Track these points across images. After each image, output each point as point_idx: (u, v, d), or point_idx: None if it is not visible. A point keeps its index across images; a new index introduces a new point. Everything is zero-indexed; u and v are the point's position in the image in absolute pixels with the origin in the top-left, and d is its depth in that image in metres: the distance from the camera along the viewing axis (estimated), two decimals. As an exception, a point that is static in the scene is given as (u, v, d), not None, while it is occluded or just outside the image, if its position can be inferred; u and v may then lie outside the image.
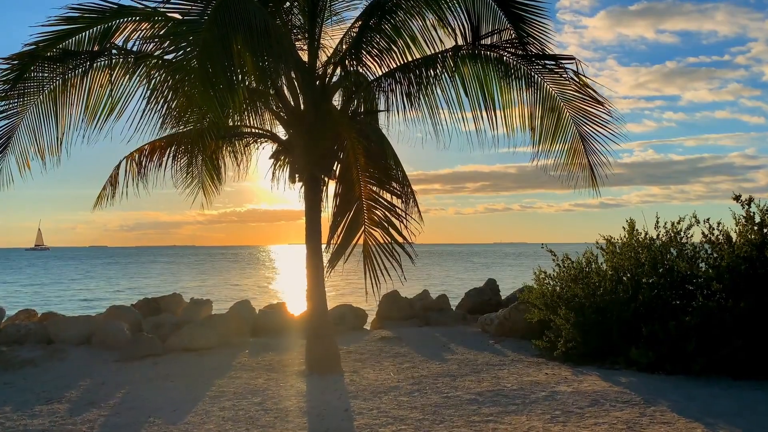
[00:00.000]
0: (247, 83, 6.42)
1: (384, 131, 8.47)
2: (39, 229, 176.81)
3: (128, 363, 8.90)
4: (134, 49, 7.14)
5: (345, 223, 6.63)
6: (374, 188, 6.57)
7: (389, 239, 6.37)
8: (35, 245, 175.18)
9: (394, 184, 6.64)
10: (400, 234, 6.39)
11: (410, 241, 6.48)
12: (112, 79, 7.22)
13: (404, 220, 6.47)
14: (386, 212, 6.43)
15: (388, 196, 6.62)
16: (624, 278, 8.92)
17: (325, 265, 7.34)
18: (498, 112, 7.77)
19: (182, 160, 9.08)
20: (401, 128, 8.05)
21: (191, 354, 9.49)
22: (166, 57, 6.31)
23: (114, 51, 7.17)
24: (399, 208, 6.56)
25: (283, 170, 8.69)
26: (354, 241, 6.58)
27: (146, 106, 6.13)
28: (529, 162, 7.82)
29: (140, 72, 7.04)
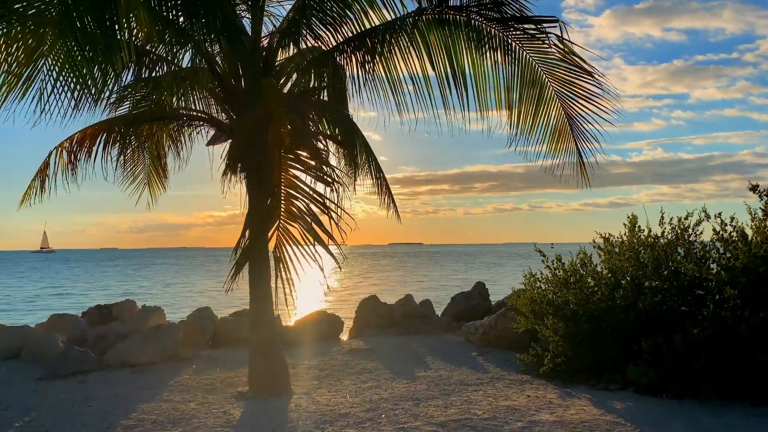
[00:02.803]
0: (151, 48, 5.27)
1: (381, 125, 7.33)
2: (44, 232, 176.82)
3: (52, 381, 7.78)
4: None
5: (257, 218, 5.43)
6: (298, 173, 5.39)
7: (311, 239, 5.16)
8: (41, 248, 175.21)
9: (325, 170, 5.41)
10: (326, 231, 5.17)
11: (342, 241, 5.25)
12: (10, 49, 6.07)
13: (334, 214, 5.24)
14: (310, 203, 5.22)
15: (323, 189, 5.38)
16: (623, 282, 7.71)
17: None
18: (470, 86, 6.58)
19: (113, 150, 7.91)
20: (403, 127, 6.95)
21: (129, 370, 8.36)
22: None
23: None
24: (328, 198, 5.34)
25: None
26: (267, 240, 5.37)
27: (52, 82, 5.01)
28: (506, 146, 6.63)
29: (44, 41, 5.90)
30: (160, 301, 26.37)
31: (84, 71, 4.06)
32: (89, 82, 4.18)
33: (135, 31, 5.40)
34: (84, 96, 4.38)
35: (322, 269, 5.10)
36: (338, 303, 22.64)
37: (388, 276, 50.63)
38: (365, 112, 7.59)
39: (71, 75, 4.08)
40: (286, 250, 5.10)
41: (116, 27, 4.32)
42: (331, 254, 5.12)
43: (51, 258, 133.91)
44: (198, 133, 7.80)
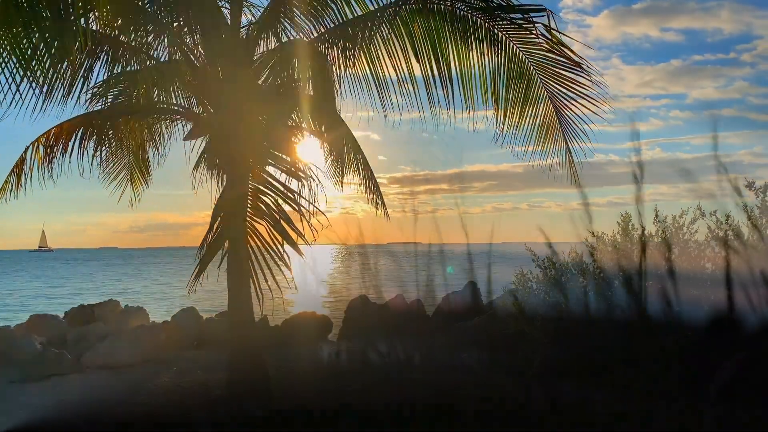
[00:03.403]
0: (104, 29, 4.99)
1: (374, 124, 7.09)
2: (43, 231, 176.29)
3: (25, 384, 7.54)
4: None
5: (231, 213, 5.16)
6: (270, 168, 5.13)
7: (280, 238, 4.90)
8: (39, 247, 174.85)
9: (298, 165, 5.15)
10: (295, 229, 4.91)
11: (313, 239, 4.99)
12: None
13: (305, 211, 4.97)
14: (279, 200, 4.97)
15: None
16: (615, 282, 7.46)
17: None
18: (455, 80, 6.34)
19: (90, 145, 7.65)
20: (388, 124, 6.72)
21: (108, 372, 8.13)
22: None
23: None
24: (299, 194, 5.08)
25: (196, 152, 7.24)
26: (244, 237, 5.09)
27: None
28: (492, 141, 6.39)
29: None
30: (155, 300, 26.18)
31: (29, 57, 3.78)
32: (36, 70, 3.90)
33: (106, 19, 5.17)
34: (30, 86, 4.11)
35: (290, 269, 4.86)
36: (337, 303, 22.34)
37: (387, 275, 50.39)
38: (362, 112, 7.36)
39: (16, 63, 3.81)
40: (252, 247, 4.86)
41: (70, 9, 4.04)
42: (300, 252, 4.86)
43: (48, 257, 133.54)
44: (175, 127, 7.56)
